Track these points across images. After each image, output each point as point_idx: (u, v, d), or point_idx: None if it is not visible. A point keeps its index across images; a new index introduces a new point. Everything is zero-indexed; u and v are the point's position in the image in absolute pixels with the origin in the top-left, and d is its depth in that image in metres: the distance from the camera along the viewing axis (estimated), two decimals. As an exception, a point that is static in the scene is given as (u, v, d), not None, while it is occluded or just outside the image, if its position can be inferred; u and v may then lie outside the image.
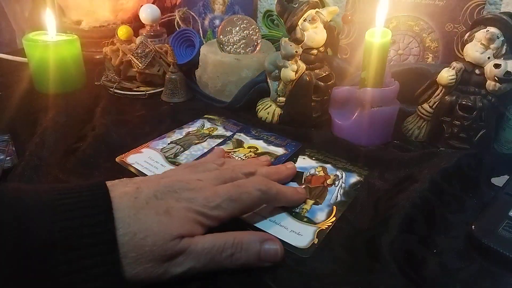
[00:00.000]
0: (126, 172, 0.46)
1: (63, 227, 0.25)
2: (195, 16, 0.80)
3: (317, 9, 0.53)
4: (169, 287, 0.31)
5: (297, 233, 0.37)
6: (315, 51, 0.54)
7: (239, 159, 0.49)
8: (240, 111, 0.61)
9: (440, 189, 0.42)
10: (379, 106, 0.51)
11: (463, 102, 0.50)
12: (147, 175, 0.45)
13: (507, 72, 0.46)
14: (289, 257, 0.34)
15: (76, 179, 0.44)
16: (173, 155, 0.50)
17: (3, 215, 0.25)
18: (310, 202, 0.42)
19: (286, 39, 0.53)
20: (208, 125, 0.58)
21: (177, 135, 0.54)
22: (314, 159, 0.50)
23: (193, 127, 0.57)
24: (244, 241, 0.31)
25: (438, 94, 0.52)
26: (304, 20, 0.52)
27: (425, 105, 0.54)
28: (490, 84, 0.48)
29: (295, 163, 0.49)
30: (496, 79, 0.47)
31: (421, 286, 0.31)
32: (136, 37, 0.68)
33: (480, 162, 0.47)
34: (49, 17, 0.65)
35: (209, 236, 0.31)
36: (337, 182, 0.45)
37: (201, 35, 0.78)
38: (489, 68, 0.47)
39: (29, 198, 0.26)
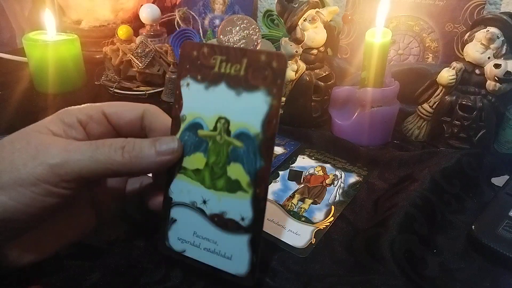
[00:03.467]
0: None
1: None
2: (195, 16, 0.80)
3: (317, 9, 0.53)
4: (171, 285, 0.31)
5: (294, 233, 0.37)
6: (315, 51, 0.54)
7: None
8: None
9: (440, 189, 0.42)
10: (379, 106, 0.51)
11: (463, 102, 0.50)
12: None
13: (507, 72, 0.46)
14: (289, 257, 0.34)
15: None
16: (172, 154, 0.49)
17: None
18: (309, 201, 0.42)
19: (286, 39, 0.53)
20: (208, 125, 0.57)
21: (177, 134, 0.54)
22: (313, 159, 0.50)
23: (193, 127, 0.57)
24: (137, 140, 0.28)
25: (438, 94, 0.52)
26: (304, 20, 0.52)
27: (425, 105, 0.54)
28: (490, 84, 0.48)
29: (294, 162, 0.49)
30: (496, 79, 0.47)
31: (421, 286, 0.31)
32: (136, 36, 0.68)
33: (480, 162, 0.47)
34: (49, 17, 0.64)
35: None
36: (336, 182, 0.45)
37: (201, 35, 0.78)
38: (489, 68, 0.47)
39: None
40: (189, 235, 0.29)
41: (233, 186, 0.27)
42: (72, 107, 0.30)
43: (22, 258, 0.28)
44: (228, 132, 0.27)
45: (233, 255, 0.28)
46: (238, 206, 0.27)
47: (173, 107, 0.29)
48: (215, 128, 0.28)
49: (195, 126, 0.28)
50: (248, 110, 0.27)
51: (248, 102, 0.27)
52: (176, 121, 0.29)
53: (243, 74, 0.27)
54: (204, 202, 0.28)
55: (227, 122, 0.27)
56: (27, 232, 0.27)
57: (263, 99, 0.26)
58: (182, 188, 0.29)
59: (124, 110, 0.30)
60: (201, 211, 0.29)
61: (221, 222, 0.28)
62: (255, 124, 0.26)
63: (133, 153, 0.26)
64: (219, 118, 0.27)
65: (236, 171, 0.27)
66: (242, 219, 0.27)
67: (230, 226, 0.28)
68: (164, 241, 0.30)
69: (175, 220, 0.29)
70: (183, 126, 0.28)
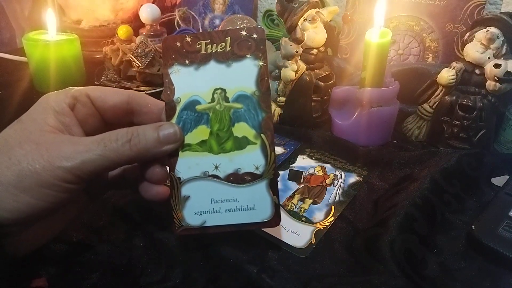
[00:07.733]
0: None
1: None
2: (195, 15, 0.80)
3: (317, 9, 0.53)
4: (171, 285, 0.31)
5: (294, 233, 0.37)
6: (315, 51, 0.54)
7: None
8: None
9: (440, 188, 0.42)
10: (379, 106, 0.51)
11: (463, 102, 0.50)
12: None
13: (507, 72, 0.46)
14: (289, 257, 0.34)
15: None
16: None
17: None
18: (309, 201, 0.42)
19: (286, 39, 0.53)
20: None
21: (177, 134, 0.54)
22: (313, 159, 0.50)
23: (193, 127, 0.57)
24: (139, 129, 0.29)
25: (438, 94, 0.52)
26: (304, 20, 0.52)
27: (425, 105, 0.54)
28: (490, 84, 0.48)
29: (294, 162, 0.49)
30: (496, 79, 0.47)
31: (421, 286, 0.31)
32: (136, 36, 0.68)
33: (480, 162, 0.47)
34: (50, 16, 0.64)
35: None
36: (336, 182, 0.45)
37: (201, 34, 0.78)
38: (489, 68, 0.47)
39: None
40: (206, 204, 0.30)
41: (242, 143, 0.30)
42: (57, 92, 0.31)
43: (28, 246, 0.29)
44: (226, 99, 0.30)
45: (255, 204, 0.30)
46: (250, 158, 0.30)
47: (164, 94, 0.31)
48: (212, 100, 0.30)
49: (192, 103, 0.30)
50: (241, 75, 0.30)
51: (239, 69, 0.30)
52: (170, 105, 0.30)
53: (229, 49, 0.30)
54: (216, 167, 0.30)
55: (224, 90, 0.30)
56: (38, 222, 0.28)
57: (252, 63, 0.30)
58: (190, 164, 0.30)
59: (109, 95, 0.32)
60: (215, 177, 0.30)
61: (237, 179, 0.30)
62: (250, 85, 0.30)
63: (140, 145, 0.28)
64: (215, 90, 0.30)
65: (241, 129, 0.30)
66: (257, 168, 0.30)
67: (247, 179, 0.30)
68: (181, 223, 0.30)
69: (188, 196, 0.30)
70: (178, 108, 0.30)
